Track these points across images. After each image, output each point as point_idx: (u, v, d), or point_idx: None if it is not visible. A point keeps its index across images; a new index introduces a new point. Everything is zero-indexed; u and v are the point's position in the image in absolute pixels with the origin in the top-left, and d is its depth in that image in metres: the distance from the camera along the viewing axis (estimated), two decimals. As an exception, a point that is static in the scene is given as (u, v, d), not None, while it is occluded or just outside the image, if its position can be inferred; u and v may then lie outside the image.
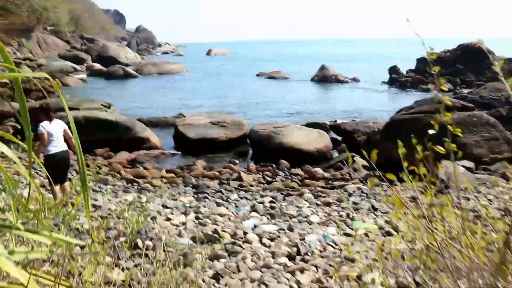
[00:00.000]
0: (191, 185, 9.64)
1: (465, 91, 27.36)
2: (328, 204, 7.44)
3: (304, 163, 12.49)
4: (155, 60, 52.46)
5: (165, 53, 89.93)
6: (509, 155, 10.26)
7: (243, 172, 11.09)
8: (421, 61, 36.69)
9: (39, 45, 49.32)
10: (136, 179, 9.91)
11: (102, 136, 13.47)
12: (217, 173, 11.10)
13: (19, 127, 16.45)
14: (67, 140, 6.49)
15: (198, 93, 29.88)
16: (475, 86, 27.78)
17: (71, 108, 15.16)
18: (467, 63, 33.32)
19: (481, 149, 9.99)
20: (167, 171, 11.45)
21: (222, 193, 8.74)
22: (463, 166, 8.64)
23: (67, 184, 6.50)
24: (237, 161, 13.09)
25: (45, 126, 6.22)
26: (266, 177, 11.13)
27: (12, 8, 45.63)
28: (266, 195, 8.42)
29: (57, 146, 6.29)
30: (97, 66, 44.68)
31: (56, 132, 6.30)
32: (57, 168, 6.25)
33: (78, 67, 42.72)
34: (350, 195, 8.41)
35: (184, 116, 18.43)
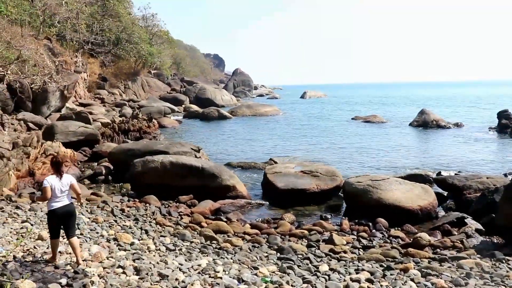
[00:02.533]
0: (275, 247, 8.58)
1: None
2: (441, 290, 5.96)
3: (404, 223, 11.05)
4: (250, 103, 53.20)
5: (260, 95, 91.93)
6: None
7: (335, 232, 9.84)
8: (537, 106, 33.04)
9: (142, 87, 52.42)
10: (215, 236, 9.07)
11: (188, 182, 13.04)
12: (305, 232, 9.97)
13: (111, 167, 16.69)
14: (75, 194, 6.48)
15: (291, 137, 29.21)
16: None
17: (161, 152, 15.06)
18: None
19: None
20: (251, 226, 10.57)
21: (310, 261, 7.55)
22: None
23: (75, 240, 6.31)
24: (328, 216, 11.91)
25: (50, 180, 6.18)
26: (361, 239, 9.80)
27: (122, 55, 49.57)
28: (363, 268, 7.08)
29: (60, 201, 6.22)
30: (194, 107, 46.24)
31: (61, 188, 6.23)
32: (58, 223, 6.23)
33: (176, 108, 44.59)
34: (468, 276, 6.76)
35: (275, 162, 17.68)
